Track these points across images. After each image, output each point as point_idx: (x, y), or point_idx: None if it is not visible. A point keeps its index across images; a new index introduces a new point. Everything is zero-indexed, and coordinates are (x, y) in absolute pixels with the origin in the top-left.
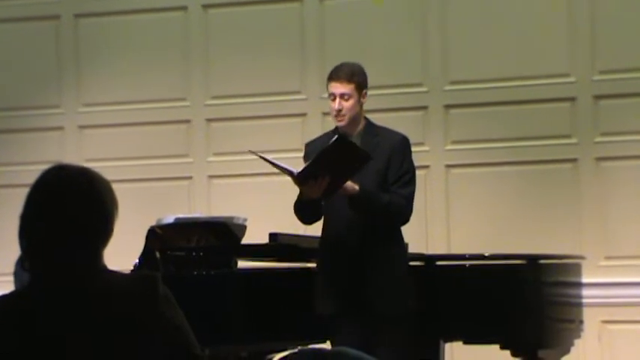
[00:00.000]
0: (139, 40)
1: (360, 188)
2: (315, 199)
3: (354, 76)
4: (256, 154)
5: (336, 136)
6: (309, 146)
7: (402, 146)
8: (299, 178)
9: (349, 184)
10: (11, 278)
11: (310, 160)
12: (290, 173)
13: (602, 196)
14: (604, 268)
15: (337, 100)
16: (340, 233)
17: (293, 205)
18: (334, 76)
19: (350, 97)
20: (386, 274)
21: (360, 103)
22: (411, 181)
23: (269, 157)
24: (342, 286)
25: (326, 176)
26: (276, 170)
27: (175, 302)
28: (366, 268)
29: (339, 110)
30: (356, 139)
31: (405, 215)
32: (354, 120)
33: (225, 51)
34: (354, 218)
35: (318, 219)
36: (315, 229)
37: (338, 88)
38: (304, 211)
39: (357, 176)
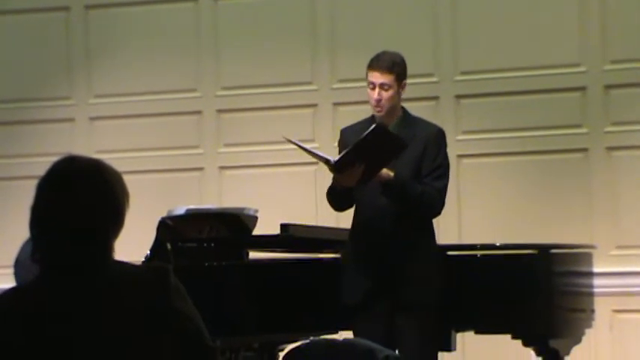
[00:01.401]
0: (149, 31)
1: (394, 175)
2: (349, 188)
3: (395, 66)
4: (291, 142)
5: (374, 125)
6: (344, 133)
7: (437, 139)
8: (336, 167)
9: (384, 170)
10: None
11: (348, 149)
12: (326, 161)
13: (613, 185)
14: (615, 258)
15: (377, 89)
16: (372, 221)
17: (326, 192)
18: (375, 65)
19: (390, 87)
20: (416, 263)
21: (398, 94)
22: (445, 174)
23: (303, 145)
24: (371, 274)
25: (362, 164)
26: (287, 161)
27: (186, 293)
28: (397, 256)
29: (379, 100)
30: (392, 129)
31: (436, 208)
32: (391, 110)
33: (235, 42)
34: (387, 207)
35: (350, 206)
36: (329, 220)
37: (378, 77)
38: (338, 198)
39: (391, 166)
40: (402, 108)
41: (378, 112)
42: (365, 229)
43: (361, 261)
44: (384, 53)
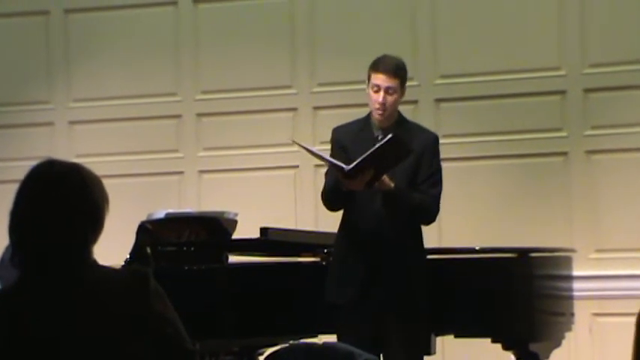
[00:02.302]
0: (129, 35)
1: (395, 185)
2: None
3: (400, 70)
4: (301, 146)
5: (390, 136)
6: (337, 131)
7: (434, 145)
8: (350, 174)
9: (386, 180)
10: None
11: (362, 157)
12: (340, 169)
13: (593, 189)
14: (594, 261)
15: (382, 93)
16: (365, 223)
17: (322, 192)
18: (381, 67)
19: (395, 91)
20: (407, 267)
21: (400, 99)
22: (440, 181)
23: (314, 149)
24: (360, 275)
25: (371, 170)
26: (266, 165)
27: (166, 297)
28: (388, 259)
29: (383, 104)
30: (387, 133)
31: (432, 215)
32: (393, 115)
33: (215, 46)
34: (381, 210)
35: (341, 208)
36: (308, 224)
37: (384, 81)
38: (338, 200)
39: (389, 172)
40: (398, 112)
41: (380, 115)
42: (357, 230)
43: (351, 262)
44: (386, 57)
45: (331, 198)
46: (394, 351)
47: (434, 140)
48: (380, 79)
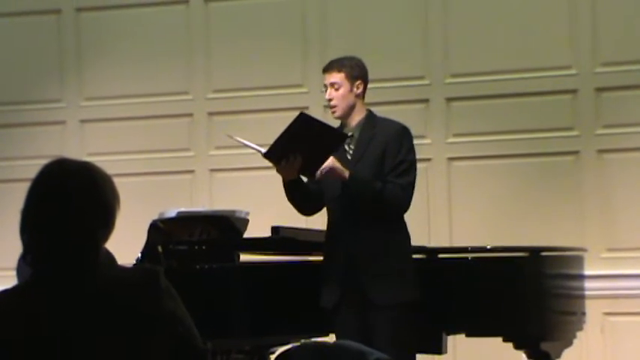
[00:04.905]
0: (140, 33)
1: (350, 174)
2: (295, 181)
3: (344, 66)
4: (230, 136)
5: (299, 113)
6: None
7: (398, 136)
8: (267, 157)
9: (339, 169)
10: (12, 273)
11: (276, 138)
12: (260, 152)
13: (604, 188)
14: (606, 260)
15: (328, 90)
16: (339, 223)
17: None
18: (325, 68)
19: (340, 86)
20: (383, 264)
21: (353, 93)
22: (408, 170)
23: (240, 138)
24: (341, 275)
25: (297, 155)
26: None
27: (177, 296)
28: (364, 258)
29: (330, 100)
30: (355, 131)
31: (400, 204)
32: (349, 110)
33: (226, 44)
34: (351, 209)
35: (317, 209)
36: (319, 223)
37: (328, 78)
38: (292, 198)
39: (354, 166)
40: (367, 110)
41: (333, 112)
42: (333, 230)
43: (332, 262)
44: (336, 58)
45: (286, 195)
46: (378, 347)
47: (399, 130)
48: (324, 78)
